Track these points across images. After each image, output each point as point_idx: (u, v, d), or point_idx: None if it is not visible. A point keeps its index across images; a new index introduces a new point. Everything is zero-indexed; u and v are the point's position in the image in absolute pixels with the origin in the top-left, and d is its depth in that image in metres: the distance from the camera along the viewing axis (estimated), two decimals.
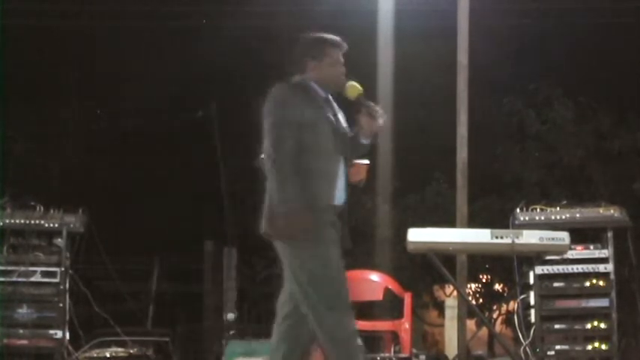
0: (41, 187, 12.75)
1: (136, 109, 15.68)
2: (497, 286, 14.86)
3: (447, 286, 14.03)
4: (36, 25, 13.85)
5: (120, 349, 8.39)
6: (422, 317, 15.49)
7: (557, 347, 7.65)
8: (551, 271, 7.72)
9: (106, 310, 8.60)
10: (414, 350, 7.55)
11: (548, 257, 7.50)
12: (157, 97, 15.44)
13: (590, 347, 7.63)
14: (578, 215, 7.82)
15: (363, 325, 7.41)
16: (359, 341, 4.29)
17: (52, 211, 8.00)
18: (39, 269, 7.90)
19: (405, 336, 7.46)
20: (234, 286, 11.90)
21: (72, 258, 8.04)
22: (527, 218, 7.80)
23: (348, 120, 4.50)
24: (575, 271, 7.73)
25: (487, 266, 13.99)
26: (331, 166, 4.33)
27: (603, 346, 7.60)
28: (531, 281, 7.76)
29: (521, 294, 7.82)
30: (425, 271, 13.09)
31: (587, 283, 7.73)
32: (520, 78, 13.11)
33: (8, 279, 7.85)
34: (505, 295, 13.81)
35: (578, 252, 7.70)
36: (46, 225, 7.95)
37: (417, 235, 6.50)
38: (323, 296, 4.27)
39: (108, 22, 14.64)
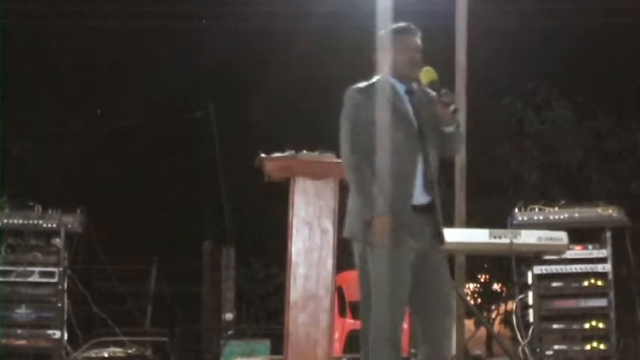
0: (39, 187, 12.73)
1: (136, 109, 15.66)
2: (496, 286, 14.86)
3: None
4: (36, 25, 13.85)
5: (118, 349, 8.38)
6: None
7: (556, 347, 7.67)
8: (550, 271, 7.73)
9: (105, 310, 8.61)
10: (413, 350, 7.55)
11: (546, 257, 7.52)
12: (157, 96, 15.44)
13: (588, 347, 7.65)
14: (576, 215, 7.83)
15: None
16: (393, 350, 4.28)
17: (50, 211, 8.01)
18: (37, 269, 7.91)
19: (404, 336, 7.45)
20: (232, 286, 11.90)
21: (70, 258, 8.05)
22: (525, 218, 7.82)
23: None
24: (574, 270, 7.75)
25: (485, 266, 14.00)
26: (407, 166, 4.24)
27: (601, 346, 7.62)
28: (530, 281, 7.77)
29: (520, 294, 7.83)
30: None
31: (586, 283, 7.74)
32: (519, 78, 13.11)
33: (6, 279, 7.86)
34: (503, 295, 13.82)
35: (577, 252, 7.72)
36: (45, 225, 7.96)
37: None
38: (381, 299, 4.26)
39: (108, 22, 14.64)
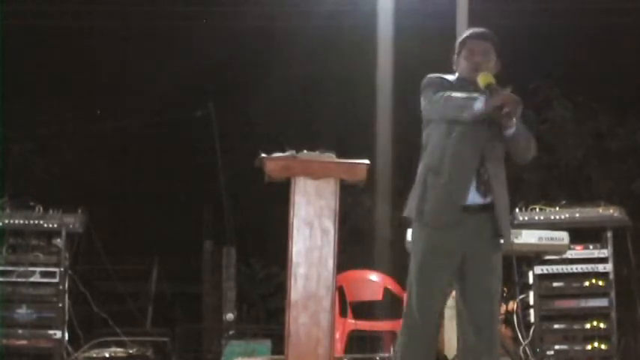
0: (40, 187, 12.73)
1: (136, 109, 15.66)
2: None
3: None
4: (36, 25, 13.85)
5: (119, 350, 8.38)
6: None
7: (557, 347, 7.66)
8: (551, 271, 7.73)
9: (106, 311, 8.60)
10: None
11: (547, 257, 7.52)
12: (156, 96, 15.43)
13: (589, 347, 7.65)
14: (577, 215, 7.83)
15: (362, 325, 7.44)
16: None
17: (51, 211, 8.00)
18: (38, 269, 7.90)
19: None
20: (233, 286, 11.89)
21: (71, 258, 8.04)
22: (526, 218, 7.81)
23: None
24: (575, 270, 7.74)
25: None
26: (459, 165, 4.30)
27: (603, 346, 7.62)
28: (530, 281, 7.77)
29: (521, 294, 7.83)
30: None
31: (587, 283, 7.74)
32: (519, 78, 13.09)
33: (7, 279, 7.86)
34: (504, 295, 13.79)
35: (578, 252, 7.71)
36: (45, 225, 7.95)
37: None
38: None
39: (108, 22, 14.64)
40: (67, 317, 7.91)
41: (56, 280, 7.88)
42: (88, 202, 8.33)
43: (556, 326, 7.72)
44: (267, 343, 8.78)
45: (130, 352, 8.33)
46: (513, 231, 7.02)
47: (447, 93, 4.29)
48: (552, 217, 7.80)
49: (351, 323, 7.42)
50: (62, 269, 7.89)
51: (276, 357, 7.27)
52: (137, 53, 15.36)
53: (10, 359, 7.69)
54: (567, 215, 7.82)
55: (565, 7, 13.11)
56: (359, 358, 7.52)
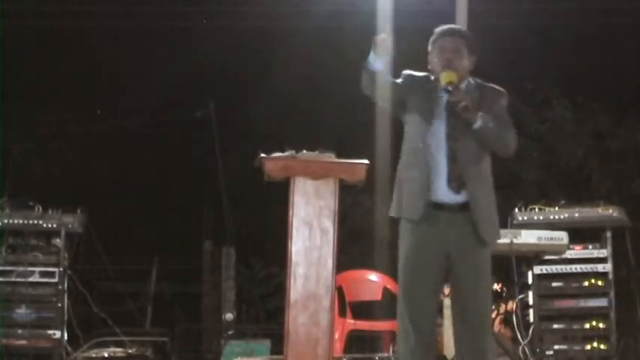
0: (40, 187, 12.73)
1: (135, 109, 15.66)
2: (496, 286, 14.82)
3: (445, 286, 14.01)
4: (36, 25, 13.85)
5: (118, 350, 8.38)
6: None
7: (556, 347, 7.66)
8: (550, 271, 7.73)
9: (105, 311, 8.60)
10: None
11: (546, 257, 7.52)
12: (156, 96, 15.44)
13: (588, 347, 7.64)
14: (576, 215, 7.83)
15: (362, 325, 7.43)
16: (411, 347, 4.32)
17: (50, 211, 8.00)
18: (37, 269, 7.89)
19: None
20: (232, 286, 11.89)
21: (70, 258, 8.04)
22: (525, 218, 7.81)
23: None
24: (574, 270, 7.74)
25: None
26: (428, 160, 4.34)
27: (602, 346, 7.62)
28: (530, 281, 7.77)
29: (520, 294, 7.83)
30: None
31: (586, 283, 7.74)
32: (519, 78, 13.10)
33: (7, 279, 7.85)
34: (503, 294, 13.77)
35: (577, 252, 7.71)
36: (45, 225, 7.95)
37: None
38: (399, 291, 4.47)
39: (108, 22, 14.64)
40: (66, 317, 7.91)
41: (55, 280, 7.88)
42: (87, 202, 8.33)
43: (555, 326, 7.72)
44: (266, 343, 8.79)
45: (130, 352, 8.32)
46: (513, 231, 7.04)
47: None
48: (552, 217, 7.80)
49: (351, 323, 7.42)
50: (61, 269, 7.89)
51: (275, 357, 7.26)
52: (137, 53, 15.36)
53: (10, 359, 7.68)
54: (567, 215, 7.82)
55: (565, 7, 13.11)
56: (358, 358, 7.51)
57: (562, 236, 6.94)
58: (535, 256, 7.48)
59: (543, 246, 6.98)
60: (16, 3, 12.12)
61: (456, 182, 4.30)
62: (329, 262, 5.40)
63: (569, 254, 7.54)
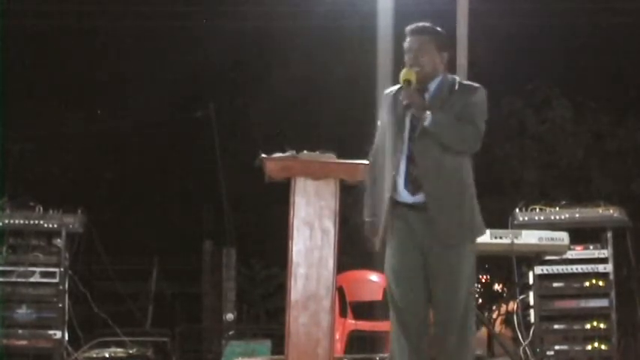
0: (40, 187, 12.73)
1: (136, 109, 15.66)
2: (497, 287, 14.83)
3: None
4: (36, 25, 13.85)
5: (119, 350, 8.39)
6: None
7: (557, 347, 7.67)
8: (551, 272, 7.73)
9: (106, 311, 8.61)
10: None
11: (547, 257, 7.52)
12: (157, 96, 15.43)
13: (589, 347, 7.65)
14: (577, 215, 7.83)
15: (362, 325, 7.44)
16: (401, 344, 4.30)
17: (51, 211, 8.01)
18: (38, 270, 7.90)
19: None
20: (233, 286, 11.90)
21: (71, 258, 8.04)
22: (526, 218, 7.81)
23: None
24: (575, 271, 7.75)
25: (486, 266, 13.98)
26: (387, 160, 4.36)
27: (603, 346, 7.62)
28: (531, 281, 7.77)
29: (521, 294, 7.83)
30: None
31: (587, 284, 7.74)
32: (519, 78, 13.10)
33: (7, 279, 7.86)
34: (504, 295, 13.79)
35: (578, 252, 7.72)
36: (46, 225, 7.96)
37: None
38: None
39: (108, 22, 14.63)
40: (67, 317, 7.92)
41: (56, 280, 7.89)
42: (87, 202, 8.33)
43: (556, 326, 7.72)
44: (267, 344, 8.79)
45: (130, 352, 8.33)
46: (514, 231, 7.04)
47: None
48: (552, 218, 7.81)
49: (351, 323, 7.43)
50: (62, 269, 7.90)
51: (276, 357, 7.26)
52: (137, 53, 15.36)
53: (10, 359, 7.68)
54: (567, 215, 7.82)
55: (565, 7, 13.10)
56: (359, 359, 7.51)
57: (563, 237, 6.95)
58: (536, 256, 7.48)
59: (544, 246, 6.98)
60: (16, 3, 12.12)
61: (412, 184, 4.28)
62: (330, 263, 5.41)
63: (569, 255, 7.54)
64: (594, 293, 7.73)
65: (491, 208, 12.33)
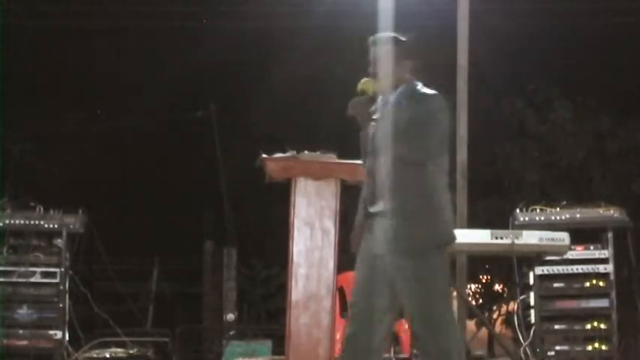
0: (41, 187, 12.74)
1: (136, 109, 15.67)
2: (497, 287, 14.84)
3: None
4: (36, 25, 13.85)
5: (120, 350, 8.39)
6: None
7: (557, 347, 7.66)
8: (551, 272, 7.73)
9: (106, 311, 8.61)
10: (414, 351, 7.55)
11: (548, 258, 7.51)
12: (157, 97, 15.44)
13: (590, 347, 7.64)
14: (578, 216, 7.83)
15: None
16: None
17: (51, 211, 8.01)
18: (39, 270, 7.91)
19: (405, 336, 7.47)
20: (233, 286, 11.91)
21: (72, 258, 8.04)
22: (527, 219, 7.81)
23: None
24: (575, 271, 7.74)
25: (487, 267, 13.99)
26: (368, 172, 4.31)
27: (603, 347, 7.62)
28: (531, 282, 7.77)
29: (521, 294, 7.83)
30: None
31: (587, 284, 7.74)
32: (520, 78, 13.10)
33: (8, 279, 7.86)
34: (505, 295, 13.80)
35: (578, 252, 7.71)
36: (46, 225, 7.96)
37: None
38: None
39: (108, 22, 14.64)
40: (67, 317, 7.92)
41: (57, 280, 7.89)
42: (88, 203, 8.34)
43: (557, 327, 7.71)
44: (267, 344, 8.79)
45: (131, 352, 8.33)
46: (514, 232, 7.02)
47: None
48: (553, 218, 7.80)
49: None
50: (63, 269, 7.90)
51: (276, 357, 7.26)
52: (137, 53, 15.36)
53: (11, 359, 7.69)
54: (568, 216, 7.82)
55: (565, 7, 13.11)
56: None
57: (563, 237, 6.93)
58: (536, 256, 7.46)
59: (545, 247, 6.96)
60: (16, 3, 12.13)
61: (371, 196, 4.28)
62: (330, 263, 5.40)
63: (570, 255, 7.52)
64: (595, 293, 7.72)
65: (491, 208, 12.46)
